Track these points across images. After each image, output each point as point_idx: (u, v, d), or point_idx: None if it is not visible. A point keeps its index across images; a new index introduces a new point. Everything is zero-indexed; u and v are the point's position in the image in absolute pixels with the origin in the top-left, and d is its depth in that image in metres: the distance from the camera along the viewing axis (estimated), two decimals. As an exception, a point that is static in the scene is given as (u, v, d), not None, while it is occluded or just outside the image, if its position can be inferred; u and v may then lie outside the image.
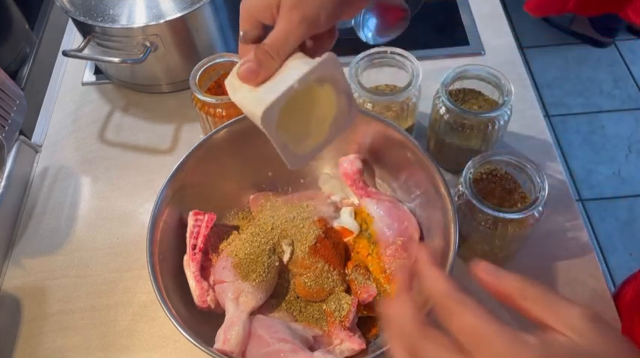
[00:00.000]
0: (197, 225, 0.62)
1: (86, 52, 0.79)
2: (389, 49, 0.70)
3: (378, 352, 0.51)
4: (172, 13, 0.76)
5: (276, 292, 0.62)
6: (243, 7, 0.48)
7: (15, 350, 0.66)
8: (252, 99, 0.44)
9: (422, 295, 0.36)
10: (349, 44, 0.91)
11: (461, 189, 0.60)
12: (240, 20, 0.48)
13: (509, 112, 0.67)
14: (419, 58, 0.69)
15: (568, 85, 2.07)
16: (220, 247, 0.64)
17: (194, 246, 0.61)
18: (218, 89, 0.74)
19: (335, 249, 0.61)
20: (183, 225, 0.62)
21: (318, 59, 0.43)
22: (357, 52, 0.71)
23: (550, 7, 0.42)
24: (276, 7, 0.45)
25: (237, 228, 0.67)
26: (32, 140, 0.83)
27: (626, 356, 0.31)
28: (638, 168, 1.84)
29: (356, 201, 0.68)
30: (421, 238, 0.62)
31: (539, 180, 0.59)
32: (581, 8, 0.51)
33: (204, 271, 0.61)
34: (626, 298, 0.65)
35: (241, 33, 0.48)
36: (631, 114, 1.98)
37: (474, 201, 0.58)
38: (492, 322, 0.32)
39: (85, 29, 0.78)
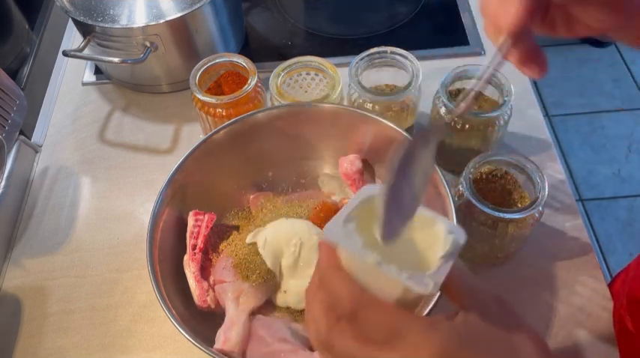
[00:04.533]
0: (197, 225, 0.62)
1: (86, 52, 0.79)
2: (389, 48, 0.70)
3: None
4: (172, 13, 0.76)
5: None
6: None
7: (15, 350, 0.66)
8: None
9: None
10: (349, 44, 0.92)
11: (461, 189, 0.60)
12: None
13: (509, 112, 0.67)
14: (419, 58, 0.69)
15: (568, 84, 2.07)
16: (220, 247, 0.64)
17: (194, 246, 0.61)
18: (218, 89, 0.74)
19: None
20: (183, 225, 0.62)
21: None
22: (357, 52, 0.71)
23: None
24: None
25: (237, 228, 0.67)
26: (32, 140, 0.83)
27: (526, 338, 0.35)
28: (638, 168, 1.84)
29: (356, 201, 0.68)
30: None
31: (539, 180, 0.59)
32: None
33: (204, 271, 0.61)
34: (615, 287, 0.67)
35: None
36: (631, 114, 1.98)
37: (474, 201, 0.58)
38: (402, 314, 0.34)
39: (85, 29, 0.78)
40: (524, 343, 0.35)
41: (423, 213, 0.37)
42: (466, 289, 0.36)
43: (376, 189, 0.37)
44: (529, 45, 0.38)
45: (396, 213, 0.34)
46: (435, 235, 0.36)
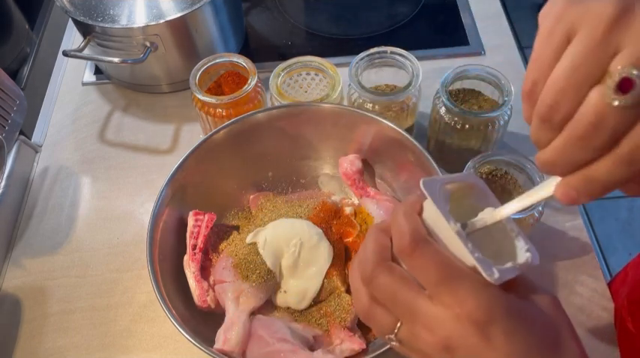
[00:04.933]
0: (197, 225, 0.62)
1: (86, 52, 0.79)
2: (389, 48, 0.70)
3: (378, 352, 0.51)
4: (172, 13, 0.76)
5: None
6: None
7: (15, 350, 0.66)
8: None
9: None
10: (349, 44, 0.92)
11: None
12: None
13: (509, 112, 0.67)
14: (419, 58, 0.69)
15: (568, 84, 2.07)
16: (220, 247, 0.64)
17: (194, 246, 0.61)
18: (218, 89, 0.74)
19: (335, 248, 0.61)
20: (183, 225, 0.62)
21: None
22: (357, 52, 0.71)
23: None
24: None
25: (237, 228, 0.67)
26: (32, 140, 0.83)
27: (572, 338, 0.34)
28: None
29: (356, 201, 0.68)
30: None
31: (539, 180, 0.59)
32: None
33: (204, 271, 0.61)
34: (614, 287, 0.67)
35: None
36: (631, 114, 1.98)
37: (474, 201, 0.57)
38: (460, 267, 0.33)
39: (85, 29, 0.78)
40: (569, 341, 0.34)
41: (511, 224, 0.38)
42: (525, 282, 0.36)
43: (479, 181, 0.39)
44: None
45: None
46: (514, 246, 0.37)
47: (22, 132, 0.80)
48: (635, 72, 0.25)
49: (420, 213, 0.37)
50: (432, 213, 0.36)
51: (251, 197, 0.69)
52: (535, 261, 0.36)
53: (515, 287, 0.35)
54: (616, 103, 0.26)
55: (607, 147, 0.27)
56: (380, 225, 0.39)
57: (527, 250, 0.36)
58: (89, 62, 0.92)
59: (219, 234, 0.65)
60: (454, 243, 0.34)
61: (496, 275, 0.33)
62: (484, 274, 0.33)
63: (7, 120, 0.71)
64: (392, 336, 0.36)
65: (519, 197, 0.36)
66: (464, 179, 0.39)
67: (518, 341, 0.32)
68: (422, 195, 0.36)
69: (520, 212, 0.56)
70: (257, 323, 0.57)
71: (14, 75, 0.85)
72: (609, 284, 0.66)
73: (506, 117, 0.67)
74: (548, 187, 0.33)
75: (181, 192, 0.62)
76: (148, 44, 0.77)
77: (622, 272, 0.69)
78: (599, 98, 0.26)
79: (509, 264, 0.35)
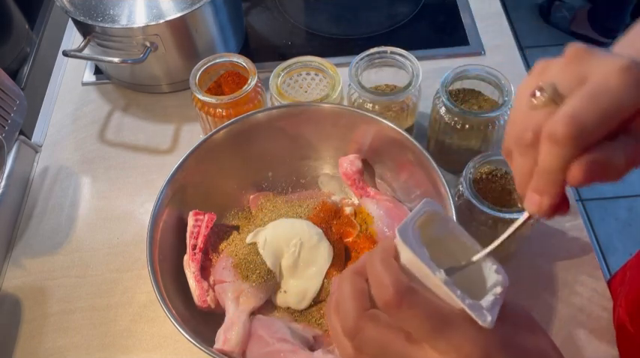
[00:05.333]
0: (197, 225, 0.62)
1: (86, 52, 0.79)
2: (389, 48, 0.70)
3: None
4: (172, 13, 0.76)
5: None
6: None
7: (15, 350, 0.66)
8: None
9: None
10: (349, 44, 0.92)
11: (461, 189, 0.60)
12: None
13: (509, 112, 0.67)
14: (419, 58, 0.69)
15: (568, 84, 2.07)
16: (220, 247, 0.64)
17: (194, 246, 0.61)
18: (218, 89, 0.74)
19: (335, 248, 0.61)
20: (183, 225, 0.62)
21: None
22: (357, 52, 0.71)
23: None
24: None
25: (237, 228, 0.67)
26: (32, 140, 0.83)
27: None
28: (638, 168, 1.84)
29: (356, 201, 0.68)
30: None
31: (539, 180, 0.58)
32: None
33: (204, 271, 0.61)
34: (613, 287, 0.67)
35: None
36: (631, 114, 1.98)
37: (474, 201, 0.58)
38: (450, 312, 0.33)
39: (85, 29, 0.78)
40: None
41: (475, 245, 0.38)
42: (507, 307, 0.36)
43: (438, 207, 0.38)
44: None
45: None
46: (480, 267, 0.37)
47: (22, 132, 0.80)
48: (547, 84, 0.32)
49: (397, 257, 0.36)
50: (411, 259, 0.35)
51: (251, 197, 0.69)
52: (506, 283, 0.36)
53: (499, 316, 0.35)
54: (530, 106, 0.32)
55: (536, 144, 0.32)
56: (354, 267, 0.38)
57: (496, 271, 0.36)
58: (89, 62, 0.92)
59: (219, 234, 0.65)
60: (439, 288, 0.34)
61: (489, 318, 0.33)
62: (479, 321, 0.33)
63: (7, 120, 0.71)
64: None
65: (496, 241, 0.37)
66: (426, 209, 0.38)
67: None
68: (395, 238, 0.36)
69: (520, 212, 0.56)
70: (257, 323, 0.57)
71: (14, 75, 0.85)
72: (608, 284, 0.66)
73: (506, 117, 0.67)
74: (518, 220, 0.36)
75: (181, 192, 0.62)
76: (148, 44, 0.77)
77: (620, 273, 0.69)
78: (526, 107, 0.33)
79: (490, 297, 0.35)
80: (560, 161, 0.30)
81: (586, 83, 0.30)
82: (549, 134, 0.30)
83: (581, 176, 0.30)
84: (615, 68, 0.29)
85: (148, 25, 0.75)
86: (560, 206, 0.33)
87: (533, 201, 0.33)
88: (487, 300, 0.34)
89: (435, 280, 0.34)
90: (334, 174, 0.70)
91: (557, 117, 0.30)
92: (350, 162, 0.66)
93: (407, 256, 0.35)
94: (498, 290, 0.35)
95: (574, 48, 0.33)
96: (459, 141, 0.70)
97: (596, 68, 0.31)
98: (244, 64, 0.72)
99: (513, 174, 0.36)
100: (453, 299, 0.33)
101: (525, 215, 0.35)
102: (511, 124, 0.35)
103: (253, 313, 0.59)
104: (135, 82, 0.87)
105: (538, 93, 0.32)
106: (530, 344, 0.35)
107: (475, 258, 0.37)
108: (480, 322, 0.33)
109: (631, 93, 0.29)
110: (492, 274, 0.36)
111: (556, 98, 0.31)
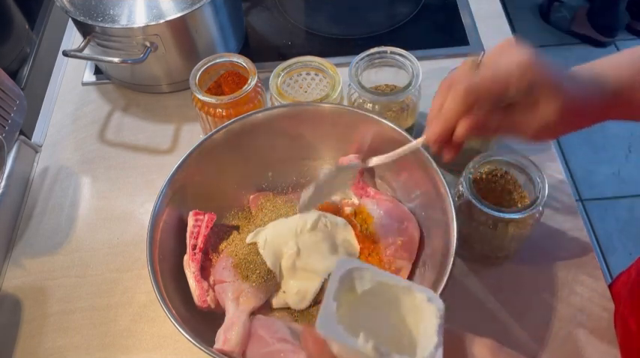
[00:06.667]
0: (197, 225, 0.62)
1: (86, 52, 0.79)
2: (389, 48, 0.70)
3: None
4: (172, 13, 0.76)
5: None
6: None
7: (15, 350, 0.66)
8: None
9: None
10: (349, 44, 0.92)
11: (461, 189, 0.60)
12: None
13: (509, 112, 0.67)
14: (419, 58, 0.69)
15: (568, 84, 2.07)
16: (220, 247, 0.64)
17: (194, 246, 0.61)
18: (218, 89, 0.74)
19: (335, 249, 0.61)
20: (183, 225, 0.62)
21: None
22: (357, 52, 0.71)
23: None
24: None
25: (237, 228, 0.67)
26: (32, 140, 0.83)
27: None
28: (638, 168, 1.84)
29: (356, 201, 0.68)
30: (421, 238, 0.62)
31: (539, 180, 0.59)
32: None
33: (204, 271, 0.61)
34: (616, 288, 0.67)
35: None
36: (631, 114, 1.97)
37: (474, 201, 0.58)
38: None
39: (85, 29, 0.78)
40: None
41: (399, 283, 0.38)
42: (458, 346, 0.37)
43: (351, 262, 0.39)
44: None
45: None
46: (415, 303, 0.38)
47: (22, 132, 0.80)
48: (474, 57, 0.46)
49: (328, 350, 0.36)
50: (342, 347, 0.35)
51: (251, 197, 0.69)
52: (440, 306, 0.37)
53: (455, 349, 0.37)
54: (456, 67, 0.47)
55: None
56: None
57: (429, 299, 0.37)
58: (89, 62, 0.92)
59: (219, 234, 0.65)
60: None
61: None
62: None
63: (7, 120, 0.71)
64: None
65: (390, 153, 0.49)
66: (340, 275, 0.38)
67: None
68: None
69: (520, 212, 0.56)
70: (257, 323, 0.57)
71: (14, 75, 0.85)
72: (611, 285, 0.66)
73: (506, 117, 0.67)
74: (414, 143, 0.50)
75: (181, 192, 0.62)
76: (148, 44, 0.77)
77: (625, 274, 0.69)
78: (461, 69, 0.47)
79: (433, 341, 0.35)
80: (455, 106, 0.44)
81: (495, 68, 0.44)
82: (455, 86, 0.44)
83: (463, 127, 0.45)
84: (515, 60, 0.43)
85: (147, 25, 0.75)
86: (448, 147, 0.48)
87: (428, 128, 0.47)
88: (429, 348, 0.35)
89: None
90: (334, 174, 0.70)
91: (466, 78, 0.44)
92: (350, 162, 0.66)
93: (337, 346, 0.36)
94: (436, 323, 0.36)
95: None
96: (459, 141, 0.70)
97: (506, 57, 0.44)
98: (244, 64, 0.72)
99: (429, 109, 0.48)
100: None
101: (420, 139, 0.49)
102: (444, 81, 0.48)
103: (253, 313, 0.59)
104: (135, 82, 0.87)
105: (466, 60, 0.46)
106: None
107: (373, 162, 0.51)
108: None
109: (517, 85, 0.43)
110: (425, 304, 0.37)
111: (475, 68, 0.45)
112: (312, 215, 0.61)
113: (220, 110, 0.70)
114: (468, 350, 0.38)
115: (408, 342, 0.37)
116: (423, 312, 0.37)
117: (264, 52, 0.92)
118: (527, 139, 0.46)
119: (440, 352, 0.35)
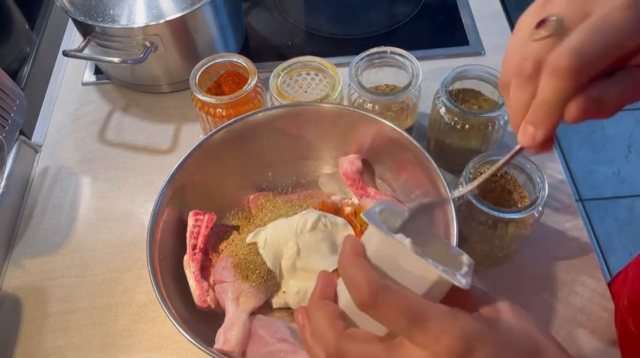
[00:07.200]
0: (197, 225, 0.62)
1: (86, 52, 0.79)
2: (389, 48, 0.70)
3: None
4: (172, 13, 0.76)
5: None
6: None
7: (15, 350, 0.66)
8: None
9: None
10: (349, 44, 0.92)
11: (461, 189, 0.60)
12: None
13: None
14: (419, 58, 0.69)
15: (568, 84, 2.07)
16: (220, 247, 0.64)
17: (194, 246, 0.61)
18: (218, 89, 0.74)
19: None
20: (183, 225, 0.62)
21: None
22: (357, 52, 0.71)
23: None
24: None
25: (237, 228, 0.67)
26: (32, 140, 0.83)
27: (550, 340, 0.36)
28: (638, 168, 1.84)
29: (356, 201, 0.68)
30: (421, 238, 0.62)
31: (539, 180, 0.59)
32: None
33: (204, 271, 0.61)
34: (615, 288, 0.67)
35: None
36: (631, 115, 1.98)
37: (474, 201, 0.58)
38: (424, 300, 0.33)
39: (85, 29, 0.78)
40: (545, 340, 0.34)
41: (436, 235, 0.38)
42: (479, 295, 0.36)
43: (397, 208, 0.38)
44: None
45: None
46: (450, 256, 0.38)
47: (22, 132, 0.80)
48: (552, 17, 0.31)
49: (365, 255, 0.36)
50: (379, 247, 0.35)
51: (251, 197, 0.69)
52: (471, 261, 0.36)
53: (475, 303, 0.35)
54: (533, 38, 0.32)
55: (536, 75, 0.32)
56: (317, 293, 0.38)
57: (459, 253, 0.37)
58: (89, 62, 0.92)
59: (219, 234, 0.65)
60: (409, 267, 0.34)
61: (464, 281, 0.33)
62: (455, 283, 0.33)
63: (7, 120, 0.71)
64: None
65: (487, 172, 0.40)
66: (383, 206, 0.38)
67: None
68: (360, 238, 0.37)
69: (520, 212, 0.56)
70: (257, 323, 0.57)
71: (14, 75, 0.85)
72: (610, 285, 0.66)
73: (507, 117, 0.67)
74: (511, 151, 0.37)
75: (181, 192, 0.62)
76: (148, 44, 0.77)
77: (622, 273, 0.69)
78: (527, 39, 0.32)
79: (464, 269, 0.35)
80: (560, 94, 0.31)
81: (589, 17, 0.30)
82: (553, 66, 0.30)
83: (578, 113, 0.31)
84: (619, 3, 0.30)
85: (147, 25, 0.75)
86: (549, 142, 0.34)
87: (527, 133, 0.34)
88: (459, 270, 0.35)
89: (405, 260, 0.34)
90: (334, 174, 0.70)
91: (561, 49, 0.30)
92: (350, 162, 0.66)
93: (375, 244, 0.36)
94: (466, 266, 0.36)
95: None
96: (459, 141, 0.70)
97: (600, 3, 0.31)
98: (244, 64, 0.72)
99: (507, 107, 0.35)
100: (426, 269, 0.33)
101: (517, 147, 0.36)
102: (510, 55, 0.35)
103: (253, 313, 0.59)
104: (135, 82, 0.87)
105: (543, 25, 0.32)
106: (515, 331, 0.34)
107: (457, 193, 0.40)
108: (455, 283, 0.33)
109: (633, 27, 0.29)
110: (458, 257, 0.37)
111: (560, 31, 0.31)
112: (312, 215, 0.61)
113: (220, 110, 0.70)
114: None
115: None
116: (454, 261, 0.37)
117: (264, 52, 0.92)
118: None
119: (470, 276, 0.34)
